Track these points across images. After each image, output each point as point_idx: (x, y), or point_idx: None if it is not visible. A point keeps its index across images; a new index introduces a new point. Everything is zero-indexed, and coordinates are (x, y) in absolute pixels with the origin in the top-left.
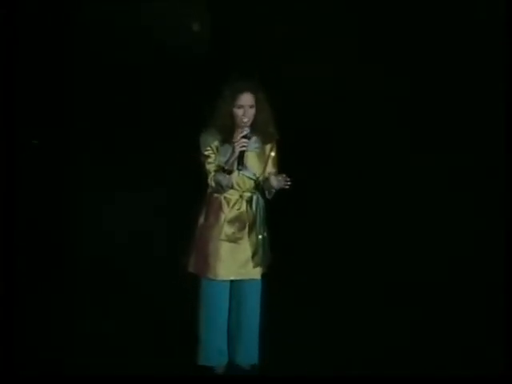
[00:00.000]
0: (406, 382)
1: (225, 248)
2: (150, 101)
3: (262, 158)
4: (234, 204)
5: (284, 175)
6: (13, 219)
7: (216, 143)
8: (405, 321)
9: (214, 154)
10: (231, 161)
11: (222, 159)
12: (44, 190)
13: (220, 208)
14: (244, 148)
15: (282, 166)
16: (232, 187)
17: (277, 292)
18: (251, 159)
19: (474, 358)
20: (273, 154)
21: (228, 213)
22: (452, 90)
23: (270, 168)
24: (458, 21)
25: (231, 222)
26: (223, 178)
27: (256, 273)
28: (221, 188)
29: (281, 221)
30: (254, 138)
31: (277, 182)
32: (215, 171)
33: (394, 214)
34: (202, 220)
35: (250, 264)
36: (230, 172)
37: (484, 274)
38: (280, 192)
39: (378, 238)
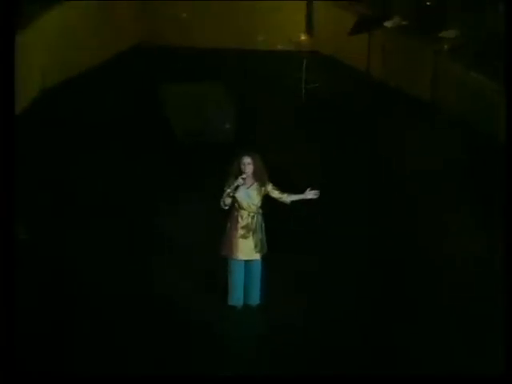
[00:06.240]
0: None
1: (240, 242)
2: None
3: (260, 193)
4: (245, 218)
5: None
6: None
7: (230, 182)
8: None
9: (229, 188)
10: (232, 190)
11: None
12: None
13: (237, 220)
14: (239, 184)
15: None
16: (241, 207)
17: (269, 267)
18: (253, 193)
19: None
20: (269, 188)
21: (241, 222)
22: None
23: (276, 194)
24: None
25: (243, 227)
26: (227, 199)
27: (258, 256)
28: (224, 205)
29: (272, 228)
30: (255, 184)
31: (309, 194)
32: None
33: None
34: (228, 225)
35: (254, 251)
36: (231, 196)
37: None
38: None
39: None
